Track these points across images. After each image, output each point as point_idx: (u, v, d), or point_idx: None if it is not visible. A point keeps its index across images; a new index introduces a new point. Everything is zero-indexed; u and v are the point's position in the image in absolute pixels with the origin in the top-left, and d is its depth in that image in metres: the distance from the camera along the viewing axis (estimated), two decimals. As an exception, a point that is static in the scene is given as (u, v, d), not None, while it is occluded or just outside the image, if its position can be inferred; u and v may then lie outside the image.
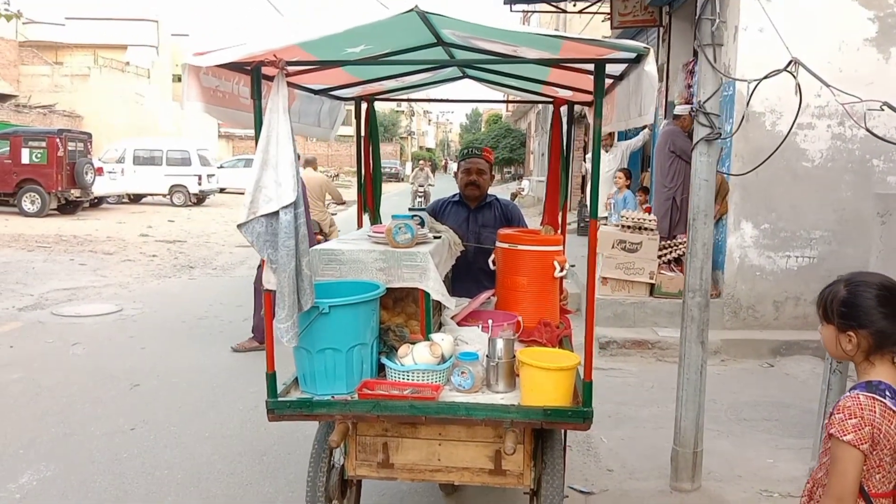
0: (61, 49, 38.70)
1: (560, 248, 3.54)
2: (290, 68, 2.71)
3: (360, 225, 4.30)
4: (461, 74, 4.22)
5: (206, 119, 30.83)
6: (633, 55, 2.54)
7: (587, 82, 3.29)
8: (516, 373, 2.78)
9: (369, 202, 4.44)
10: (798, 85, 3.47)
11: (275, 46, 2.50)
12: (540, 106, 26.12)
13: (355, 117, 4.31)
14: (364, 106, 4.32)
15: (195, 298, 9.16)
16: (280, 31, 2.57)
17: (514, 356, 2.78)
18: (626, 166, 10.74)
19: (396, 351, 2.83)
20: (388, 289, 2.93)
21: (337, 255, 2.99)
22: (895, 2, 6.77)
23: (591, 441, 4.68)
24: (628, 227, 7.38)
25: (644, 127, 10.62)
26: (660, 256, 7.39)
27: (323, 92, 3.86)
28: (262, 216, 2.52)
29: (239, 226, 2.56)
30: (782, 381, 6.21)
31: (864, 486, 1.92)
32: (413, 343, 2.86)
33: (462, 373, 2.74)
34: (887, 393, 1.89)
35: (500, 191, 33.40)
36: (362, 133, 4.34)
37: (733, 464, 4.46)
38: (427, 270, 2.92)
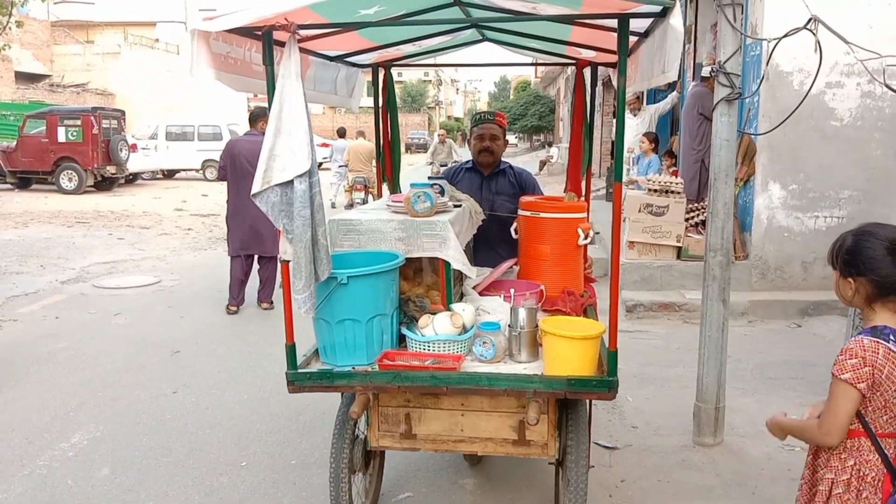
0: (92, 28, 39.21)
1: (584, 214, 3.47)
2: (303, 32, 2.65)
3: (379, 195, 4.20)
4: (481, 37, 4.07)
5: (234, 94, 31.05)
6: (658, 9, 2.44)
7: (611, 41, 3.16)
8: (539, 342, 2.74)
9: (388, 171, 4.36)
10: (818, 42, 3.46)
11: (285, 9, 2.43)
12: (569, 71, 25.85)
13: (372, 84, 4.24)
14: (381, 73, 4.24)
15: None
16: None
17: (537, 325, 2.74)
18: (653, 130, 10.67)
19: (417, 321, 2.80)
20: (407, 259, 2.89)
21: (355, 225, 2.94)
22: (927, -46, 6.61)
23: (617, 400, 4.74)
24: (655, 190, 7.39)
25: (672, 90, 10.53)
26: (687, 219, 7.40)
27: (339, 58, 3.78)
28: (276, 185, 2.48)
29: (253, 195, 2.51)
30: (809, 341, 6.23)
31: (872, 426, 2.00)
32: (434, 313, 2.82)
33: (484, 343, 2.70)
34: (891, 337, 1.97)
35: (529, 159, 33.28)
36: (380, 101, 4.26)
37: (756, 421, 4.53)
38: (447, 239, 2.87)
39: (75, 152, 18.61)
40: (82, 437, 4.35)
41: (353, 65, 4.02)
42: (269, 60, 2.56)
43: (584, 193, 4.11)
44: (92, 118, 18.69)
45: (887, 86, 3.65)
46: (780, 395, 4.98)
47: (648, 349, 6.05)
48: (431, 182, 3.22)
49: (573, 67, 4.28)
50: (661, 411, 4.67)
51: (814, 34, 3.45)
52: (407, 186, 3.19)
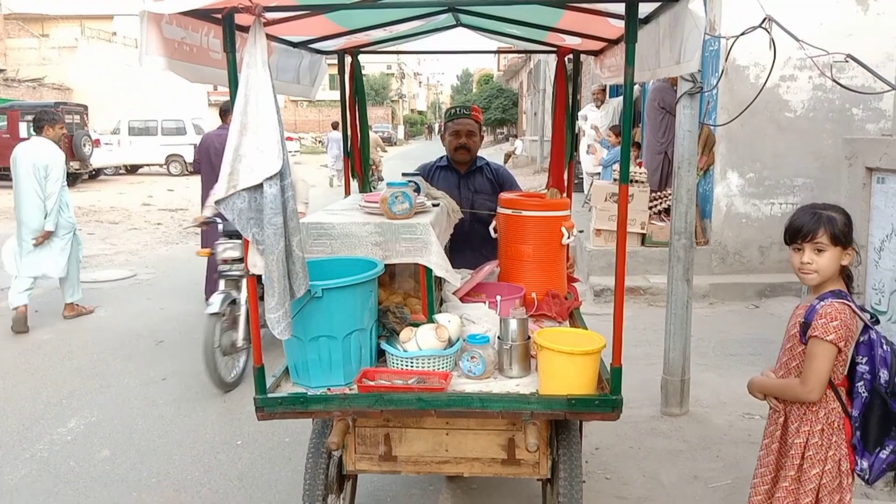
0: (47, 21, 38.38)
1: (568, 212, 3.29)
2: (269, 15, 2.39)
3: (347, 192, 3.95)
4: (455, 23, 3.72)
5: (195, 87, 30.78)
6: None
7: (602, 27, 2.99)
8: (532, 355, 2.54)
9: (357, 167, 4.03)
10: (772, 40, 3.75)
11: None
12: (531, 64, 26.18)
13: (339, 72, 3.93)
14: (348, 60, 3.90)
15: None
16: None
17: (529, 337, 2.54)
18: (617, 122, 11.03)
19: (398, 335, 2.57)
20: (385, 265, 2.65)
21: (327, 229, 2.68)
22: (872, -45, 7.03)
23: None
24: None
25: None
26: (650, 208, 7.74)
27: (303, 45, 3.45)
28: (243, 190, 2.18)
29: (217, 202, 2.23)
30: (766, 321, 6.61)
31: (832, 378, 2.30)
32: (415, 325, 2.60)
33: (472, 357, 2.48)
34: (848, 298, 2.27)
35: (493, 152, 33.64)
36: (346, 90, 3.93)
37: (719, 392, 4.87)
38: (428, 244, 2.64)
39: (37, 148, 18.34)
40: (78, 422, 4.49)
41: (318, 51, 3.70)
42: (230, 47, 2.27)
43: (566, 189, 3.91)
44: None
45: (834, 80, 3.97)
46: (740, 369, 5.32)
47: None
48: (408, 180, 3.05)
49: (536, 60, 4.30)
50: (631, 385, 4.87)
51: (768, 32, 3.74)
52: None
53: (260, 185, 2.18)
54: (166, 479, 3.78)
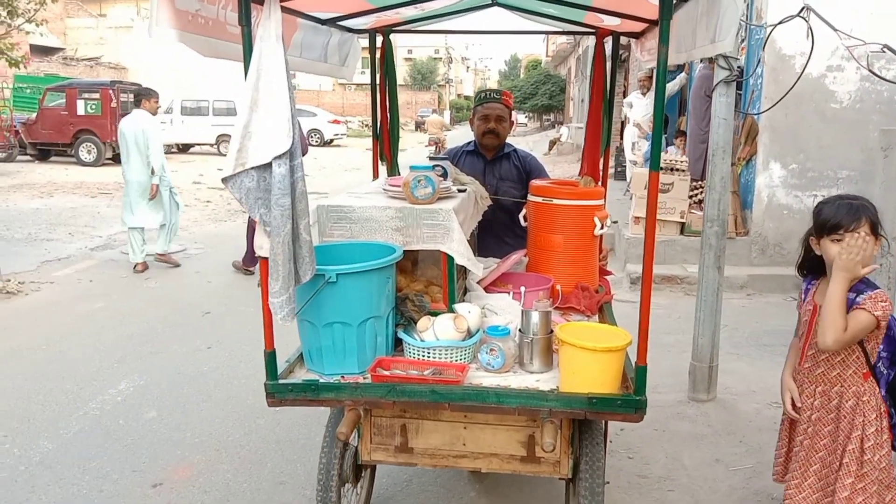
0: (105, 1, 39.38)
1: (601, 201, 3.17)
2: None
3: (375, 175, 3.87)
4: (490, 1, 3.57)
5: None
6: None
7: (640, 5, 2.87)
8: (554, 349, 2.45)
9: (386, 150, 3.92)
10: (810, 29, 3.77)
11: None
12: (580, 50, 25.98)
13: (370, 52, 3.79)
14: (379, 39, 3.78)
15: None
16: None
17: (552, 331, 2.44)
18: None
19: (416, 323, 2.50)
20: (405, 250, 2.57)
21: (347, 213, 2.61)
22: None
23: (619, 361, 5.16)
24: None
25: (681, 71, 10.79)
26: (690, 196, 7.73)
27: (331, 22, 3.32)
28: (251, 168, 2.13)
29: (224, 180, 2.17)
30: (804, 313, 6.58)
31: (871, 358, 2.45)
32: (434, 314, 2.53)
33: (491, 350, 2.40)
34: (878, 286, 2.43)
35: (539, 138, 33.52)
36: (377, 72, 3.81)
37: (749, 381, 4.90)
38: (451, 230, 2.54)
39: (94, 125, 19.01)
40: (128, 384, 4.76)
41: (348, 29, 3.58)
42: (245, 20, 2.18)
43: (601, 178, 3.78)
44: (111, 92, 19.04)
45: (871, 71, 3.97)
46: (772, 360, 5.33)
47: (651, 318, 6.37)
48: (433, 164, 2.94)
49: (585, 46, 4.25)
50: (660, 372, 5.03)
51: (806, 21, 3.76)
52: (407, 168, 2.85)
53: (269, 164, 2.11)
54: (208, 440, 4.00)
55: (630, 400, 2.28)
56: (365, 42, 3.87)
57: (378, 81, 3.82)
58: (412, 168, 2.68)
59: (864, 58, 4.18)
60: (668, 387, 4.77)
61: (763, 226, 7.49)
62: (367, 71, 3.90)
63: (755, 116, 7.20)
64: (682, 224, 7.69)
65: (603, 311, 3.04)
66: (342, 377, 2.40)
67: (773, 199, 7.43)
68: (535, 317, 2.42)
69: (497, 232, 3.50)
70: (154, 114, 8.03)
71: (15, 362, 5.13)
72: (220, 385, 4.76)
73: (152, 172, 7.71)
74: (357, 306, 2.36)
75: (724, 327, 5.05)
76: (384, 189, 2.89)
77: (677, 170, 7.67)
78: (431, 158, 3.17)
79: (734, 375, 4.94)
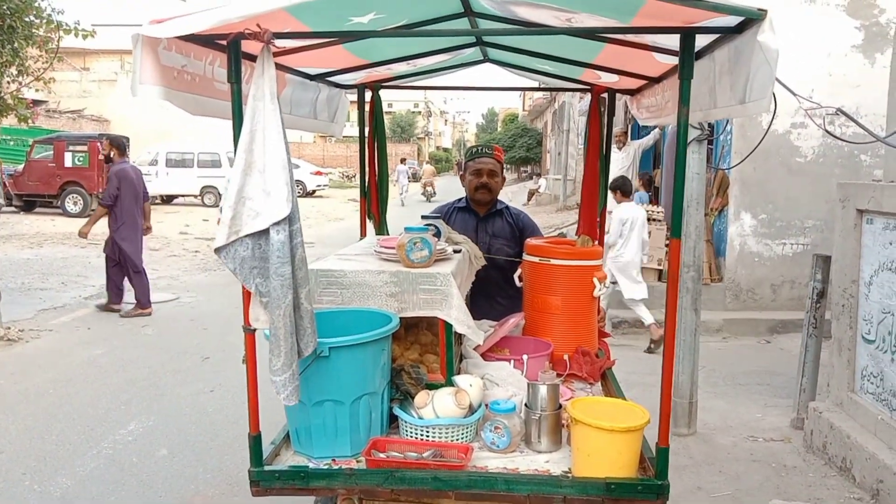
0: (89, 55, 39.78)
1: (600, 261, 3.06)
2: (280, 43, 2.20)
3: (363, 233, 3.74)
4: (482, 58, 3.53)
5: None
6: (733, 22, 1.95)
7: (645, 63, 2.75)
8: (563, 425, 2.30)
9: (374, 208, 3.81)
10: (773, 93, 4.19)
11: (257, 10, 1.90)
12: (556, 105, 26.83)
13: (358, 107, 3.72)
14: (368, 95, 3.71)
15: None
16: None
17: (560, 406, 2.30)
18: (637, 164, 11.43)
19: (413, 398, 2.29)
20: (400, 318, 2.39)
21: (338, 278, 2.43)
22: (879, 12, 7.49)
23: (604, 399, 5.47)
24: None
25: (655, 126, 11.34)
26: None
27: (319, 77, 3.27)
28: (246, 236, 1.99)
29: (216, 250, 2.02)
30: (776, 355, 6.95)
31: None
32: (432, 386, 2.35)
33: (496, 428, 2.22)
34: None
35: (517, 189, 34.15)
36: (366, 127, 3.74)
37: (726, 417, 5.22)
38: (449, 296, 2.38)
39: (81, 177, 19.23)
40: (137, 425, 4.96)
41: (337, 85, 3.55)
42: (235, 77, 2.07)
43: (598, 237, 3.63)
44: (98, 144, 19.28)
45: (827, 131, 4.40)
46: (748, 398, 5.68)
47: (633, 360, 6.72)
48: (426, 224, 2.84)
49: (561, 101, 4.44)
50: (647, 409, 5.34)
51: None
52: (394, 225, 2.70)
53: (266, 231, 1.98)
54: (220, 476, 4.21)
55: (652, 485, 2.10)
56: (352, 97, 3.80)
57: (367, 137, 3.76)
58: (406, 229, 2.56)
59: (822, 118, 4.61)
60: (652, 423, 5.05)
61: (736, 272, 7.92)
62: (350, 124, 3.99)
63: (726, 170, 7.68)
64: (660, 270, 8.08)
65: (606, 378, 2.93)
66: (333, 460, 2.21)
67: (744, 248, 7.88)
68: (543, 391, 2.26)
69: (489, 292, 3.32)
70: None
71: (25, 405, 5.31)
72: (227, 425, 4.97)
73: None
74: (351, 382, 2.18)
75: (702, 368, 5.40)
76: (376, 251, 2.74)
77: (653, 220, 8.09)
78: (424, 217, 3.08)
79: (713, 412, 5.25)
